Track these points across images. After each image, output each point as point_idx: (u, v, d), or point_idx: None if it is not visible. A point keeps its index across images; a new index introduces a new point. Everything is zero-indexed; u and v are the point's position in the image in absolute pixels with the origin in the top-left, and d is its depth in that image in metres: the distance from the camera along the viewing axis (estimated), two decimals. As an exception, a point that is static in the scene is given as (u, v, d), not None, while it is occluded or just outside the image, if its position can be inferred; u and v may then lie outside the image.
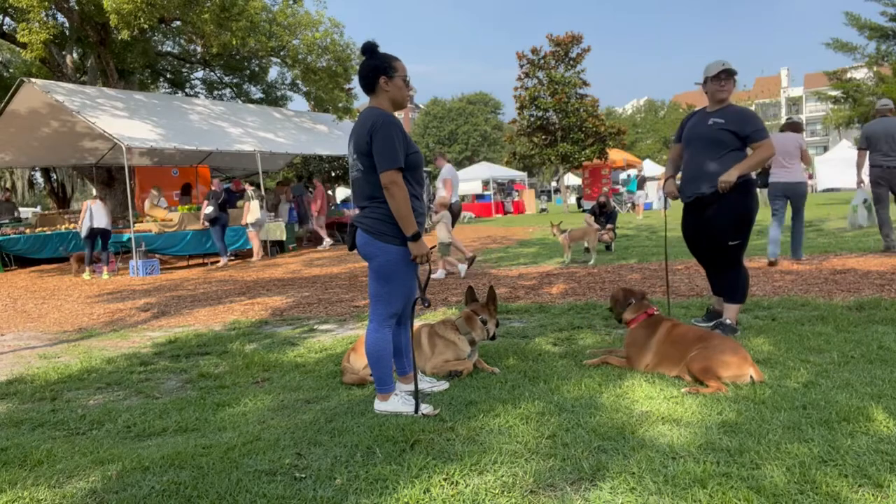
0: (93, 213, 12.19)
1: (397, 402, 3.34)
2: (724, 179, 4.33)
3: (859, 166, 8.69)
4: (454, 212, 9.67)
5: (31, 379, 4.62)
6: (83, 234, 12.38)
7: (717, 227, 4.47)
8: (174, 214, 14.49)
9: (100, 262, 12.64)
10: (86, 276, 12.09)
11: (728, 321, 4.53)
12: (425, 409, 3.29)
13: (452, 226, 9.51)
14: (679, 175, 4.79)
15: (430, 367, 3.98)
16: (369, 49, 3.29)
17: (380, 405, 3.36)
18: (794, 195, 7.80)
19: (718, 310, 4.76)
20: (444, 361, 3.98)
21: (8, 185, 30.43)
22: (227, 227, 13.91)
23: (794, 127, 8.07)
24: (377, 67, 3.26)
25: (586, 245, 10.98)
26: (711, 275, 4.81)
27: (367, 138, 3.16)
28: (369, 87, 3.30)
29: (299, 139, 18.08)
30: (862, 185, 9.43)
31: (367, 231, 3.28)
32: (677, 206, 4.93)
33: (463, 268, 9.04)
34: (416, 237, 3.21)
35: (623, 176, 34.66)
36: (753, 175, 4.50)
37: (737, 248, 4.49)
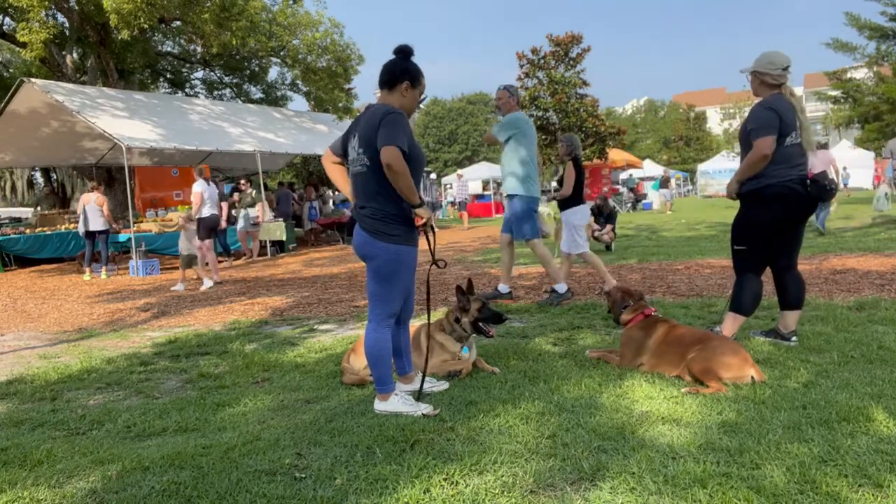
0: (88, 215, 12.04)
1: (397, 402, 3.34)
2: (728, 189, 4.24)
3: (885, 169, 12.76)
4: (209, 225, 10.19)
5: (31, 379, 4.62)
6: (81, 232, 12.35)
7: (732, 227, 4.33)
8: (174, 214, 14.49)
9: (100, 262, 12.63)
10: (86, 276, 12.05)
11: (717, 328, 4.32)
12: (425, 409, 3.29)
13: (206, 238, 10.14)
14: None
15: (428, 368, 3.97)
16: (406, 52, 3.36)
17: (380, 405, 3.36)
18: None
19: (778, 329, 4.38)
20: (441, 362, 3.98)
21: (8, 185, 30.44)
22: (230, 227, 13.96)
23: (823, 146, 11.47)
24: (408, 71, 3.33)
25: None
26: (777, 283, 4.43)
27: (376, 128, 3.17)
28: (391, 83, 3.34)
29: (299, 139, 18.08)
30: (886, 181, 13.80)
31: (367, 230, 3.29)
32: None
33: (208, 283, 9.67)
34: (421, 203, 3.25)
35: (624, 175, 34.67)
36: (758, 189, 4.02)
37: (741, 255, 4.25)
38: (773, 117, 3.96)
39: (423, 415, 3.23)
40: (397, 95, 3.33)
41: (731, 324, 4.23)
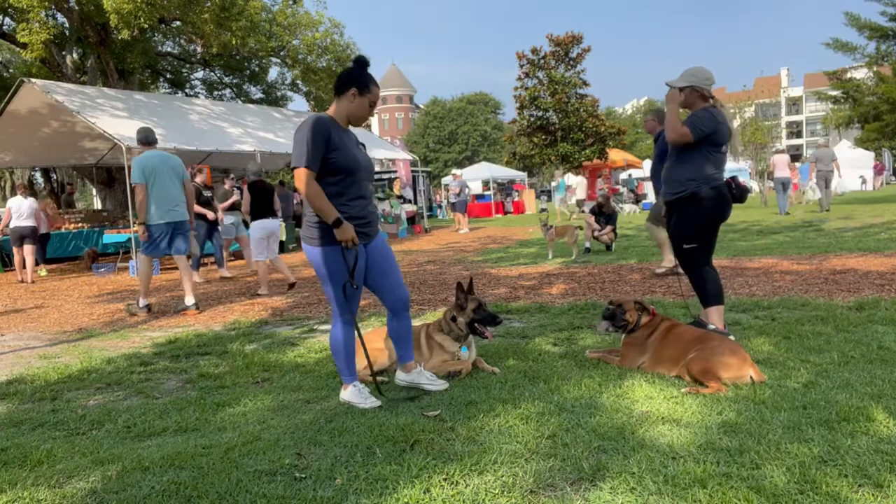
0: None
1: (350, 393, 3.53)
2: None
3: (810, 171, 18.88)
4: (15, 235, 12.07)
5: (31, 379, 4.61)
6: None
7: (675, 229, 4.60)
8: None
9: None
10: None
11: (712, 326, 4.39)
12: (371, 403, 3.44)
13: (16, 245, 12.09)
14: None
15: (428, 368, 3.97)
16: (361, 62, 3.49)
17: (342, 394, 3.59)
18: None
19: (703, 320, 4.63)
20: (441, 362, 3.98)
21: (8, 185, 30.40)
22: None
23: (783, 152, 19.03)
24: (356, 79, 3.43)
25: (587, 245, 11.00)
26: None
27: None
28: (339, 90, 3.45)
29: (299, 139, 18.06)
30: (811, 181, 19.32)
31: (303, 238, 3.51)
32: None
33: None
34: (338, 223, 3.32)
35: (623, 176, 34.67)
36: (707, 190, 4.37)
37: (692, 252, 4.51)
38: (712, 125, 4.31)
39: (424, 415, 3.23)
40: (345, 102, 3.43)
41: (716, 317, 4.46)
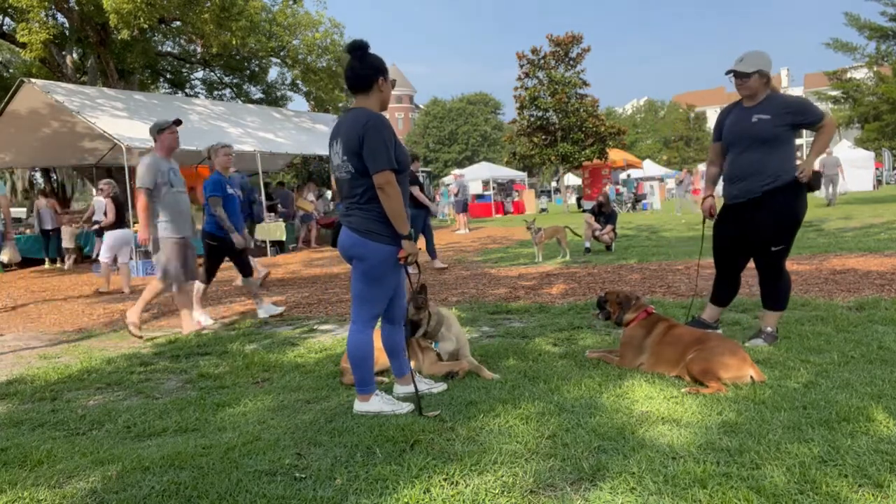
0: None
1: (378, 403, 3.34)
2: (805, 170, 4.04)
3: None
4: None
5: (31, 379, 4.61)
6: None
7: (762, 230, 4.16)
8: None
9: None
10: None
11: (769, 329, 4.29)
12: (406, 407, 3.33)
13: None
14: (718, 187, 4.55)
15: (425, 369, 3.97)
16: (364, 47, 3.22)
17: (360, 406, 3.35)
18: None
19: (705, 320, 4.58)
20: (431, 362, 3.98)
21: (8, 185, 30.42)
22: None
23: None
24: (378, 67, 3.22)
25: (587, 245, 11.00)
26: (723, 283, 4.52)
27: (359, 139, 3.10)
28: (367, 85, 3.22)
29: (299, 139, 18.08)
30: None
31: (357, 230, 3.21)
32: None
33: None
34: (409, 237, 3.20)
35: (622, 176, 34.66)
36: (796, 181, 4.04)
37: (780, 254, 4.21)
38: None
39: (425, 415, 3.23)
40: (376, 94, 3.24)
41: (775, 320, 4.36)
